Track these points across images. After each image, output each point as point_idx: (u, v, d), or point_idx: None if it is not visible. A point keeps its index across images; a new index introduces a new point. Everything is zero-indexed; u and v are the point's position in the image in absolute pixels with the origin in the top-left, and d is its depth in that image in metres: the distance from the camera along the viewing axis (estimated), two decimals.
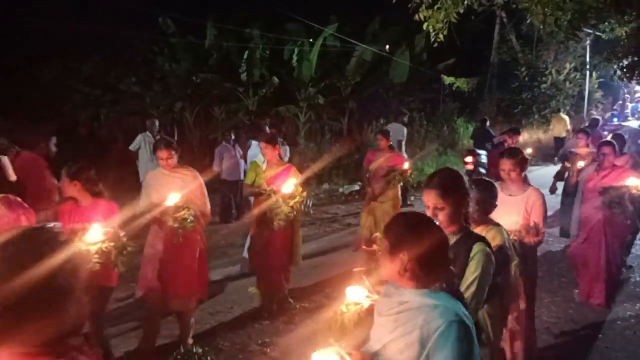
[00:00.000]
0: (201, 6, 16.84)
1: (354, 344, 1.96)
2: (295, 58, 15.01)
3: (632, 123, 17.65)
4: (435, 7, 8.16)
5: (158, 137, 8.37)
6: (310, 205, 5.61)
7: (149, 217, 4.23)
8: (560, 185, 7.47)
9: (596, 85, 18.02)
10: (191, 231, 4.27)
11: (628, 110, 25.06)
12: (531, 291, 3.98)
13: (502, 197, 3.93)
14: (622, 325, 4.99)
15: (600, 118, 15.63)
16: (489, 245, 2.41)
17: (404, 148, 10.84)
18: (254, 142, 7.95)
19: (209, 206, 4.59)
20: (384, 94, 17.00)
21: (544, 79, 17.25)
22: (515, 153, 4.09)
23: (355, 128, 15.73)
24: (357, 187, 11.42)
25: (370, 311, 2.14)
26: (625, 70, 14.68)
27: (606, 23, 12.42)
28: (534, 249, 3.89)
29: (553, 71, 17.01)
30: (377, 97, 16.81)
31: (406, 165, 6.66)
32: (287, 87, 15.24)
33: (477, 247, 2.36)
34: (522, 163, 4.04)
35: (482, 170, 13.30)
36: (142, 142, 8.57)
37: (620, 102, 25.49)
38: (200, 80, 14.95)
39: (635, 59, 13.41)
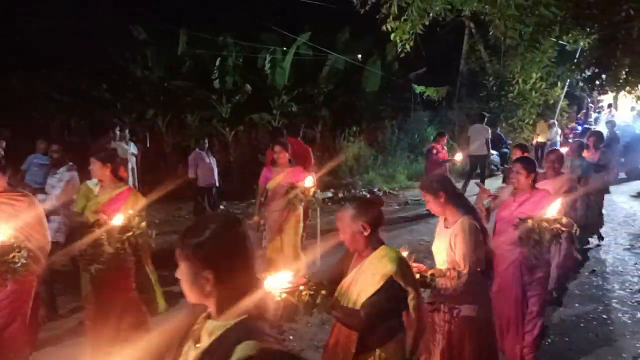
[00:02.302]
0: (175, 15, 16.82)
1: None
2: (268, 66, 15.10)
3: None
4: (402, 19, 8.41)
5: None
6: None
7: None
8: None
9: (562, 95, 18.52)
10: (26, 273, 3.48)
11: (592, 119, 25.88)
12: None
13: (439, 230, 3.36)
14: (585, 327, 5.12)
15: (578, 126, 16.09)
16: (263, 351, 1.37)
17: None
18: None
19: (49, 239, 3.79)
20: (357, 103, 17.22)
21: (511, 88, 17.67)
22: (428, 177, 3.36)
23: (328, 136, 15.88)
24: (330, 194, 11.52)
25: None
26: (587, 80, 15.15)
27: (570, 35, 12.83)
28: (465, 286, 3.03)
29: (520, 81, 17.43)
30: (349, 105, 17.01)
31: (308, 182, 5.60)
32: (261, 95, 15.30)
33: (240, 351, 1.37)
34: (435, 187, 3.17)
35: (494, 167, 14.30)
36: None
37: (584, 111, 26.26)
38: (173, 87, 14.89)
39: (597, 70, 13.86)
